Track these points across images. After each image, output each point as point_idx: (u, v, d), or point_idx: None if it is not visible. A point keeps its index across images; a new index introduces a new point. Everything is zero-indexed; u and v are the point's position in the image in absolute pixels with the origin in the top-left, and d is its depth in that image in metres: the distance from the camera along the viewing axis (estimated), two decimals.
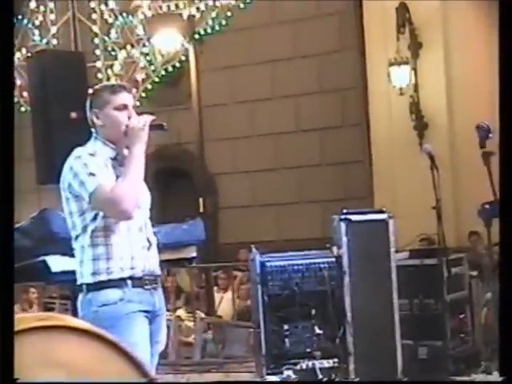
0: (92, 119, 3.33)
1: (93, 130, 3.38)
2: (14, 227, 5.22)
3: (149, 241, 3.31)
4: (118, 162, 3.29)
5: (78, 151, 3.27)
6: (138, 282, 3.21)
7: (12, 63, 2.62)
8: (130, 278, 3.19)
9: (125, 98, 3.31)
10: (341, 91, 12.02)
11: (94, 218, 3.21)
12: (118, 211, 3.15)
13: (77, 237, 3.26)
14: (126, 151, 3.30)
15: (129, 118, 3.29)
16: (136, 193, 3.20)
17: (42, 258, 4.77)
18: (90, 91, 3.60)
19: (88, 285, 3.20)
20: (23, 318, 2.05)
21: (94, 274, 3.19)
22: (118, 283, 3.17)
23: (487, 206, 4.33)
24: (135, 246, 3.23)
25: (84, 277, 3.22)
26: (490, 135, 4.29)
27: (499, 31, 3.09)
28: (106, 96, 3.31)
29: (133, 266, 3.21)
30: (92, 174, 3.17)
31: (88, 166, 3.19)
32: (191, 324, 8.14)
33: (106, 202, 3.16)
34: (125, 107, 3.29)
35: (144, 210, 3.32)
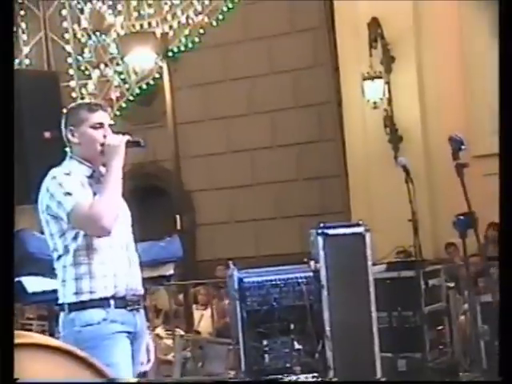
0: (67, 137, 3.33)
1: (68, 148, 3.38)
2: None
3: (131, 259, 3.30)
4: (95, 179, 3.29)
5: (53, 172, 3.26)
6: (120, 302, 3.20)
7: (12, 70, 2.61)
8: (113, 297, 3.19)
9: (101, 116, 3.32)
10: (316, 106, 12.08)
11: (75, 238, 3.20)
12: (98, 228, 3.15)
13: (59, 257, 3.24)
14: (102, 169, 3.30)
15: (104, 136, 3.29)
16: (115, 209, 3.20)
17: (17, 279, 4.74)
18: (65, 109, 3.59)
19: (70, 304, 3.18)
20: None
21: (76, 293, 3.17)
22: (101, 303, 3.17)
23: (462, 218, 4.36)
24: (118, 264, 3.23)
25: (66, 296, 3.20)
26: (463, 147, 4.33)
27: (499, 31, 3.12)
28: (83, 114, 3.31)
29: (116, 284, 3.21)
30: (68, 194, 3.17)
31: (63, 185, 3.18)
32: (170, 342, 8.10)
33: (84, 220, 3.15)
34: (101, 125, 3.30)
35: (125, 228, 3.33)
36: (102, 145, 3.27)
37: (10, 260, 2.36)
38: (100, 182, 3.26)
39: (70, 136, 3.32)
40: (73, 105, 3.54)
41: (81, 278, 3.18)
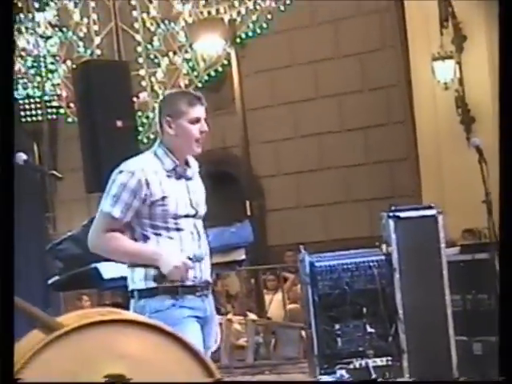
0: (163, 125, 3.29)
1: (159, 136, 3.34)
2: (66, 236, 5.33)
3: (202, 247, 3.30)
4: (176, 175, 3.28)
5: (124, 165, 3.27)
6: (188, 288, 3.21)
7: (12, 72, 2.65)
8: (182, 284, 3.19)
9: (200, 111, 3.29)
10: (385, 89, 11.95)
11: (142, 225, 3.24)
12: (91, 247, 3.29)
13: None
14: (185, 167, 3.34)
15: (201, 132, 3.28)
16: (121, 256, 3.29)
17: (93, 266, 4.84)
18: (163, 96, 3.60)
19: (140, 291, 3.20)
20: (85, 314, 2.11)
21: (145, 279, 3.19)
22: (170, 289, 3.17)
23: None
24: (186, 252, 3.22)
25: (135, 282, 3.22)
26: None
27: (499, 31, 3.04)
28: (183, 107, 3.26)
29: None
30: (114, 197, 3.20)
31: (116, 184, 3.23)
32: (242, 327, 8.17)
33: (92, 235, 3.28)
34: (198, 121, 3.28)
35: (197, 219, 3.33)
36: (197, 140, 3.28)
37: (11, 260, 2.39)
38: (180, 178, 3.28)
39: (165, 126, 3.28)
40: (172, 92, 3.55)
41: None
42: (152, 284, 3.17)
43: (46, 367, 1.93)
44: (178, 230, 3.25)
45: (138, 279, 3.22)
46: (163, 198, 3.21)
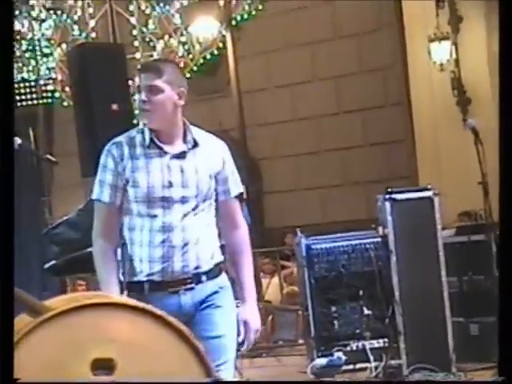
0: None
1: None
2: (62, 220, 5.32)
3: (186, 240, 2.98)
4: (157, 151, 3.03)
5: (107, 144, 3.11)
6: (157, 285, 2.97)
7: (11, 66, 2.62)
8: (148, 281, 2.96)
9: (140, 79, 3.06)
10: (381, 70, 11.91)
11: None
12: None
13: None
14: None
15: (143, 101, 3.02)
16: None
17: (89, 250, 4.83)
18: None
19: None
20: (72, 298, 2.10)
21: (122, 273, 3.02)
22: (136, 287, 2.97)
23: None
24: (158, 248, 2.97)
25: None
26: None
27: (499, 31, 3.02)
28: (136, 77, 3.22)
29: (151, 270, 2.97)
30: (100, 181, 3.06)
31: (101, 165, 3.06)
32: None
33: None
34: (139, 90, 3.05)
35: (181, 208, 2.98)
36: (143, 110, 3.01)
37: (11, 259, 2.38)
38: (165, 154, 2.99)
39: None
40: None
41: (123, 258, 3.01)
42: (123, 279, 2.99)
43: (33, 351, 1.92)
44: (151, 216, 2.98)
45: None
46: (134, 177, 2.97)
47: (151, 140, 3.02)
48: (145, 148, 3.02)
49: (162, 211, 2.98)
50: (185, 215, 3.00)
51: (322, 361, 5.32)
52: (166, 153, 3.01)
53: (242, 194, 3.18)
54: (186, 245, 2.99)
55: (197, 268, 3.02)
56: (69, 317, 1.96)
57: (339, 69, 12.18)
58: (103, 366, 1.94)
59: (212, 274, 3.06)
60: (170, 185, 2.99)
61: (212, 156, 3.08)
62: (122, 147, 3.02)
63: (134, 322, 2.03)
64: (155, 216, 2.98)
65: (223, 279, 3.12)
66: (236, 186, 3.15)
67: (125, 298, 2.24)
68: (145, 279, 2.98)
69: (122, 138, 3.06)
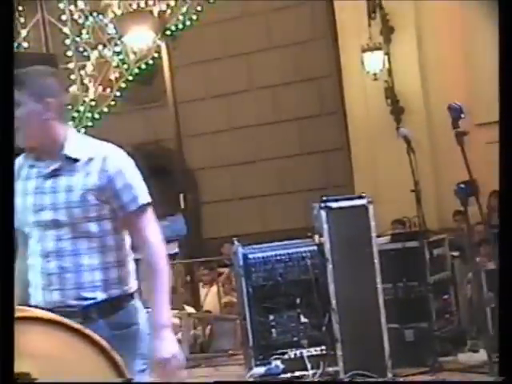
0: None
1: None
2: None
3: (59, 267, 2.68)
4: (34, 170, 2.82)
5: None
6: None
7: (12, 66, 2.57)
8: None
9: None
10: (316, 80, 12.04)
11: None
12: None
13: None
14: None
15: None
16: None
17: None
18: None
19: None
20: None
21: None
22: None
23: (463, 186, 4.35)
24: (39, 275, 2.72)
25: None
26: (462, 115, 4.31)
27: (499, 31, 3.09)
28: None
29: (35, 298, 2.71)
30: None
31: None
32: (177, 321, 8.13)
33: None
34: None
35: (52, 231, 2.71)
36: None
37: (11, 259, 2.35)
38: (40, 173, 2.78)
39: None
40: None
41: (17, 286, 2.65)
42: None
43: None
44: (34, 241, 2.75)
45: None
46: (16, 201, 2.72)
47: (26, 159, 2.81)
48: (25, 168, 2.80)
49: (39, 236, 2.73)
50: (60, 239, 2.70)
51: (261, 369, 5.32)
52: (39, 172, 2.76)
53: (146, 205, 2.80)
54: (62, 272, 2.68)
55: (81, 299, 2.66)
56: None
57: (275, 78, 12.27)
58: (21, 380, 1.91)
59: (108, 309, 2.68)
60: (41, 208, 2.72)
61: (93, 171, 2.72)
62: (15, 169, 2.79)
63: (51, 335, 2.01)
64: (36, 241, 2.74)
65: (129, 316, 2.73)
66: (135, 199, 2.77)
67: (41, 312, 2.20)
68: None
69: (17, 159, 2.83)
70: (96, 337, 2.05)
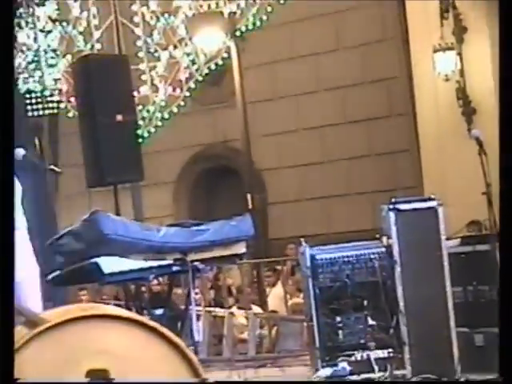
0: None
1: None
2: (66, 231, 5.32)
3: None
4: None
5: None
6: None
7: (12, 66, 2.61)
8: None
9: None
10: (386, 81, 11.93)
11: None
12: None
13: None
14: None
15: None
16: None
17: (94, 260, 4.84)
18: None
19: None
20: (67, 310, 2.11)
21: None
22: None
23: None
24: None
25: None
26: None
27: (499, 30, 3.03)
28: None
29: None
30: None
31: None
32: (245, 320, 8.17)
33: None
34: None
35: None
36: None
37: (11, 261, 2.36)
38: None
39: None
40: None
41: None
42: None
43: (28, 362, 1.93)
44: None
45: None
46: None
47: None
48: None
49: None
50: None
51: (327, 371, 5.30)
52: None
53: None
54: None
55: None
56: (63, 329, 1.97)
57: (344, 79, 12.21)
58: (97, 376, 1.95)
59: None
60: None
61: None
62: None
63: (128, 333, 2.04)
64: None
65: None
66: None
67: (119, 310, 2.24)
68: None
69: None
70: (172, 335, 2.08)
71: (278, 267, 9.45)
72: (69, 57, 9.51)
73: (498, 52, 3.05)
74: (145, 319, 2.10)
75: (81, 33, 9.53)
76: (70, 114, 9.58)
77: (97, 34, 9.42)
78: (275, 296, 8.95)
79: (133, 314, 2.12)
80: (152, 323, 2.08)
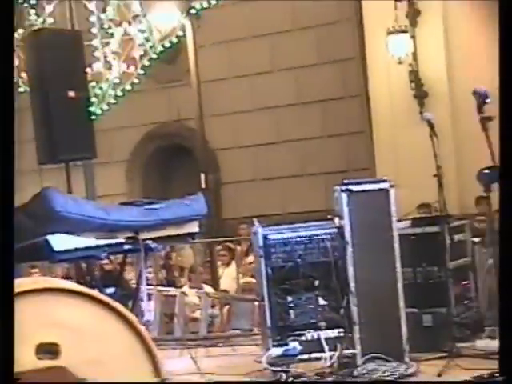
0: None
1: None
2: (16, 207, 5.25)
3: None
4: None
5: None
6: None
7: (12, 56, 2.57)
8: None
9: None
10: (340, 62, 11.98)
11: None
12: None
13: None
14: None
15: None
16: None
17: (44, 237, 4.78)
18: None
19: None
20: (22, 282, 2.09)
21: None
22: None
23: (486, 171, 4.32)
24: None
25: None
26: (488, 100, 4.28)
27: (499, 30, 3.06)
28: None
29: None
30: None
31: None
32: (196, 300, 8.18)
33: None
34: None
35: None
36: None
37: (11, 261, 2.33)
38: None
39: None
40: None
41: None
42: None
43: None
44: None
45: None
46: None
47: None
48: None
49: None
50: None
51: (278, 350, 5.34)
52: None
53: None
54: None
55: None
56: (15, 301, 1.95)
57: (299, 60, 12.22)
58: (48, 350, 1.93)
59: None
60: None
61: None
62: None
63: (80, 306, 2.03)
64: None
65: None
66: None
67: (72, 284, 2.23)
68: None
69: None
70: (124, 310, 2.07)
71: (233, 246, 9.46)
72: (20, 30, 9.33)
73: (499, 52, 3.09)
74: (97, 293, 2.09)
75: (32, 6, 9.35)
76: (21, 89, 9.40)
77: (49, 8, 9.24)
78: (228, 275, 8.97)
79: (85, 289, 2.11)
80: (104, 298, 2.08)
